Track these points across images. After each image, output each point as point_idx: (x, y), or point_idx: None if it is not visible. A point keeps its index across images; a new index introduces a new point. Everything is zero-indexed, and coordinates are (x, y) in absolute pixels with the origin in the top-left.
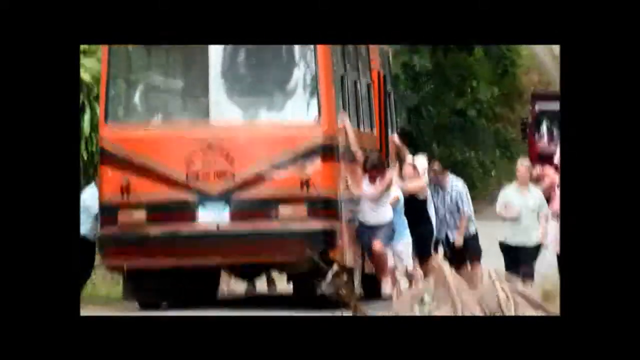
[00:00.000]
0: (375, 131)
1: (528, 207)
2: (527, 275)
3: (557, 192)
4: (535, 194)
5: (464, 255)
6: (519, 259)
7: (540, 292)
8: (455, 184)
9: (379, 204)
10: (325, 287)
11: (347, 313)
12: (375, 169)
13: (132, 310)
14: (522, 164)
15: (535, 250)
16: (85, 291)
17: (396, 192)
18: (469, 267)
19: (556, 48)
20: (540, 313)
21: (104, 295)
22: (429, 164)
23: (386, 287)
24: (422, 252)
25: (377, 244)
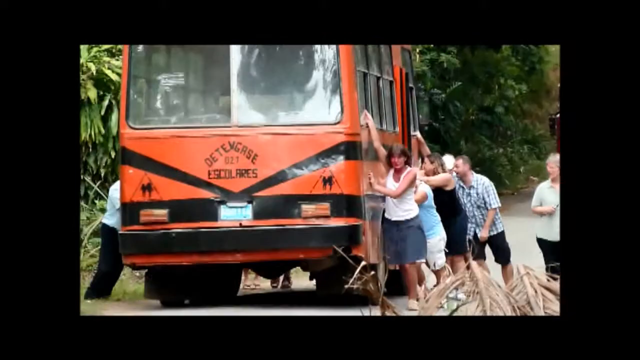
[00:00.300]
0: (398, 129)
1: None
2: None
3: None
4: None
5: (494, 253)
6: (557, 254)
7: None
8: (481, 179)
9: (404, 200)
10: (352, 283)
11: (375, 309)
12: (402, 156)
13: (154, 308)
14: (552, 160)
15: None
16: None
17: (423, 189)
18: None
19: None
20: None
21: (131, 292)
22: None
23: (412, 303)
24: (453, 243)
25: (403, 267)
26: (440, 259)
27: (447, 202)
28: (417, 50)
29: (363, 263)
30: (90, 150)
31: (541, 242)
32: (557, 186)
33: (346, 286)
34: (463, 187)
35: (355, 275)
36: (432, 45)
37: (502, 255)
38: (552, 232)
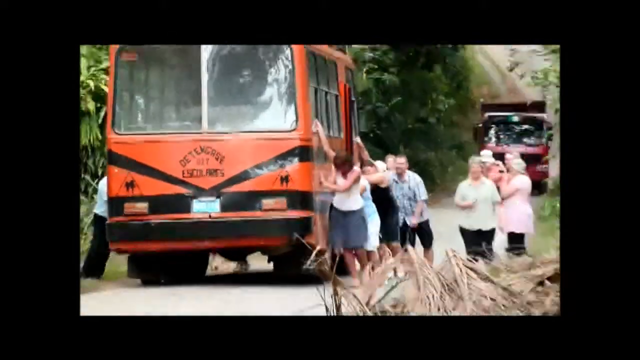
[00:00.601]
0: (342, 135)
1: (481, 198)
2: (485, 254)
3: (503, 184)
4: (487, 186)
5: (420, 237)
6: (476, 241)
7: (490, 268)
8: (413, 175)
9: (351, 193)
10: (309, 265)
11: (328, 287)
12: (345, 163)
13: (134, 285)
14: (474, 162)
15: (491, 233)
16: (107, 269)
17: (363, 183)
18: (423, 249)
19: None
20: (488, 285)
21: (123, 272)
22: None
23: (353, 281)
24: (389, 232)
25: (346, 252)
26: (375, 241)
27: (382, 197)
28: (365, 69)
29: (319, 247)
30: (90, 153)
31: (463, 231)
32: (476, 183)
33: (304, 267)
34: (397, 182)
35: (312, 258)
36: (376, 66)
37: (427, 240)
38: (472, 222)
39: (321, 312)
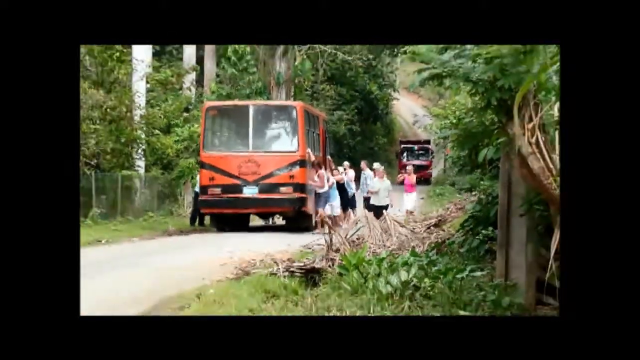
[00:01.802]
0: (320, 154)
1: (383, 188)
2: (382, 216)
3: (407, 180)
4: (386, 181)
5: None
6: (378, 211)
7: (404, 220)
8: (366, 173)
9: (323, 184)
10: (315, 221)
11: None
12: (317, 166)
13: (208, 232)
14: (379, 168)
15: (386, 207)
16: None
17: (332, 180)
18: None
19: (410, 121)
20: (404, 229)
21: (207, 224)
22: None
23: (324, 228)
24: (345, 206)
25: (321, 211)
26: (337, 210)
27: (340, 185)
28: (343, 123)
29: (321, 211)
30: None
31: (372, 205)
32: (382, 180)
33: (316, 220)
34: (350, 181)
35: (317, 218)
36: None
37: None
38: (378, 201)
39: (322, 242)
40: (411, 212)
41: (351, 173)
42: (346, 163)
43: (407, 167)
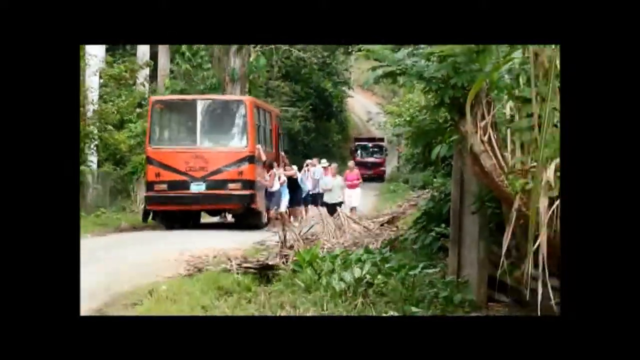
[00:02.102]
0: (273, 150)
1: (336, 185)
2: (336, 213)
3: (350, 176)
4: (339, 178)
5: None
6: (332, 208)
7: (357, 217)
8: (318, 168)
9: (273, 184)
10: (267, 218)
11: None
12: (268, 166)
13: (161, 229)
14: (333, 166)
15: (339, 204)
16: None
17: (283, 177)
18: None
19: (365, 118)
20: (357, 226)
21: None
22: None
23: (274, 224)
24: (297, 203)
25: (271, 212)
26: (284, 207)
27: (293, 182)
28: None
29: (271, 212)
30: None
31: (325, 203)
32: (335, 177)
33: (269, 217)
34: (306, 173)
35: (271, 215)
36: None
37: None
38: (331, 198)
39: (275, 239)
40: (352, 209)
41: (318, 170)
42: (309, 160)
43: (349, 163)
